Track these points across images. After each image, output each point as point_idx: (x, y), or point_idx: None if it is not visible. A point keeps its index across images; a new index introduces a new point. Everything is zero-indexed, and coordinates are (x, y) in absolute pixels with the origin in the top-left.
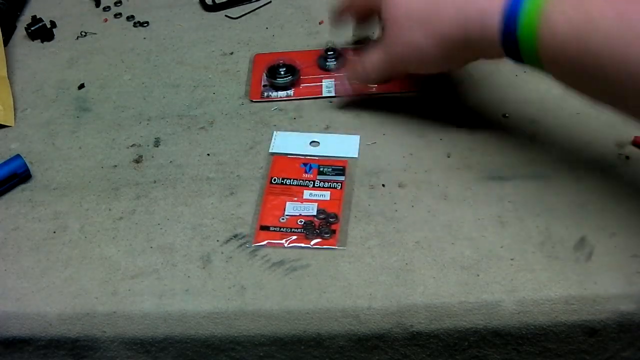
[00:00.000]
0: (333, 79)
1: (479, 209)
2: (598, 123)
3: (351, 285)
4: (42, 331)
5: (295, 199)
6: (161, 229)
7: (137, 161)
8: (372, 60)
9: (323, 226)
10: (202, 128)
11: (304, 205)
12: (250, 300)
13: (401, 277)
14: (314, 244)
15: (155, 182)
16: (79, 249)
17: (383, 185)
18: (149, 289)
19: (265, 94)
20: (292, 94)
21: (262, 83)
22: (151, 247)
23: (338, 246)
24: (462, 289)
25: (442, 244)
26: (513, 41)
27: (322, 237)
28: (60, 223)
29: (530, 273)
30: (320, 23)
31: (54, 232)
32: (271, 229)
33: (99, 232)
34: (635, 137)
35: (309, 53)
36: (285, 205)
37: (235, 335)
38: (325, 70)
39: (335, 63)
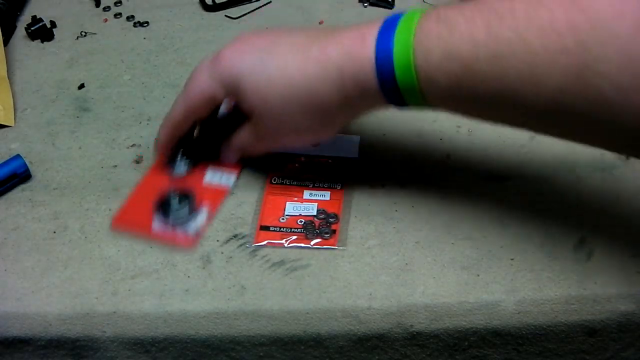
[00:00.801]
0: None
1: (478, 209)
2: None
3: (351, 285)
4: (42, 331)
5: (296, 199)
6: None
7: (137, 161)
8: (243, 141)
9: (323, 226)
10: None
11: (304, 205)
12: (250, 300)
13: (401, 277)
14: (314, 244)
15: None
16: (79, 249)
17: (383, 185)
18: (149, 289)
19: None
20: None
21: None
22: (151, 247)
23: (338, 246)
24: (462, 289)
25: (442, 244)
26: (394, 89)
27: (322, 237)
28: (60, 223)
29: (530, 273)
30: (320, 23)
31: (54, 232)
32: (271, 229)
33: (99, 232)
34: None
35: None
36: (285, 205)
37: (235, 335)
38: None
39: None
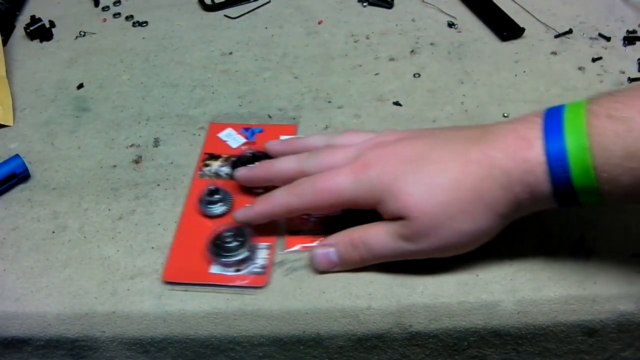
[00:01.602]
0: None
1: None
2: None
3: (351, 285)
4: (41, 331)
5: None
6: (161, 229)
7: (136, 161)
8: (382, 242)
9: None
10: (201, 128)
11: None
12: (250, 300)
13: (401, 277)
14: None
15: (154, 182)
16: (78, 249)
17: None
18: (148, 289)
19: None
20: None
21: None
22: (151, 248)
23: None
24: (462, 289)
25: None
26: (569, 192)
27: None
28: (59, 223)
29: (529, 273)
30: (319, 23)
31: (53, 232)
32: (301, 233)
33: (98, 232)
34: None
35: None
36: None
37: (235, 335)
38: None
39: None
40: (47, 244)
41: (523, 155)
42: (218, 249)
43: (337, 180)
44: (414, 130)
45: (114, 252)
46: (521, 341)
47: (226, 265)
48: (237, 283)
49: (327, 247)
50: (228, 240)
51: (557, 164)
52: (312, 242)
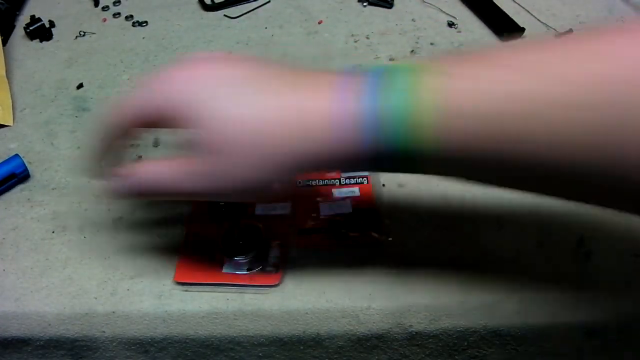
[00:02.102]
0: None
1: (478, 209)
2: None
3: (351, 285)
4: (40, 331)
5: (325, 199)
6: (161, 229)
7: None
8: (163, 174)
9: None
10: None
11: (338, 204)
12: (250, 300)
13: (401, 277)
14: (358, 240)
15: None
16: (78, 249)
17: (383, 185)
18: (148, 288)
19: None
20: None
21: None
22: (152, 247)
23: (382, 239)
24: (462, 289)
25: (442, 244)
26: (392, 147)
27: (363, 233)
28: (59, 223)
29: (529, 273)
30: (319, 22)
31: (53, 232)
32: (310, 231)
33: (98, 232)
34: None
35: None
36: (319, 206)
37: (235, 335)
38: None
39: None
40: (47, 244)
41: (344, 109)
42: (230, 248)
43: (142, 93)
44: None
45: (113, 252)
46: (521, 341)
47: (239, 264)
48: (250, 282)
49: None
50: (240, 238)
51: (377, 123)
52: (321, 241)
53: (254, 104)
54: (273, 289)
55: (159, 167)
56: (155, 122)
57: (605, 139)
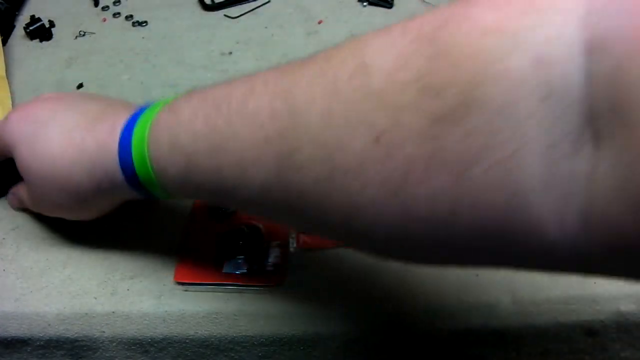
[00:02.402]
0: None
1: None
2: None
3: (351, 285)
4: (40, 331)
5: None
6: (161, 229)
7: None
8: (21, 195)
9: None
10: None
11: None
12: (250, 300)
13: (400, 276)
14: None
15: None
16: (78, 249)
17: None
18: (148, 288)
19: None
20: None
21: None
22: (152, 247)
23: None
24: (462, 289)
25: None
26: (135, 180)
27: None
28: (59, 223)
29: (529, 273)
30: (319, 22)
31: (53, 232)
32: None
33: (98, 232)
34: None
35: None
36: None
37: (235, 335)
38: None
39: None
40: (46, 244)
41: (105, 142)
42: (229, 248)
43: None
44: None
45: (114, 252)
46: (521, 341)
47: (238, 264)
48: (250, 282)
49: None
50: (240, 238)
51: (124, 153)
52: (321, 240)
53: (50, 143)
54: (273, 289)
55: (19, 189)
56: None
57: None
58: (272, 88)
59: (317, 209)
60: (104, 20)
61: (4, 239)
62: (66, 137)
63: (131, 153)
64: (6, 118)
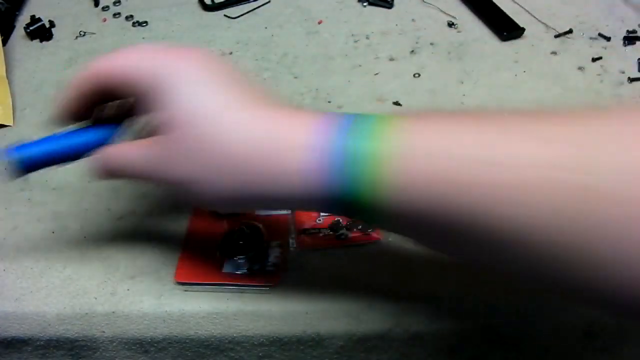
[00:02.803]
0: None
1: None
2: None
3: (351, 285)
4: (40, 331)
5: None
6: (161, 229)
7: None
8: (132, 159)
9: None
10: None
11: None
12: (250, 300)
13: (401, 276)
14: (359, 240)
15: None
16: (78, 249)
17: None
18: (148, 289)
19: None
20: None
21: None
22: (152, 248)
23: (383, 239)
24: (462, 289)
25: None
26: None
27: (364, 232)
28: (59, 223)
29: None
30: (319, 22)
31: (53, 232)
32: (310, 231)
33: (98, 232)
34: None
35: None
36: None
37: (235, 335)
38: None
39: None
40: (47, 244)
41: (313, 143)
42: (230, 248)
43: (134, 52)
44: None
45: (114, 252)
46: (522, 341)
47: (239, 264)
48: (250, 282)
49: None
50: (240, 238)
51: (336, 170)
52: (321, 241)
53: (229, 111)
54: (273, 289)
55: (123, 149)
56: (117, 84)
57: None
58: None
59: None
60: (104, 20)
61: (4, 239)
62: (253, 119)
63: (347, 172)
64: (154, 47)
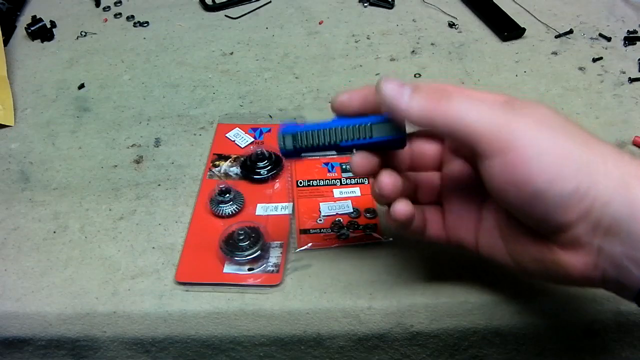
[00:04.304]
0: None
1: None
2: (598, 123)
3: (351, 285)
4: (42, 331)
5: (326, 198)
6: (162, 229)
7: (137, 161)
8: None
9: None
10: (202, 128)
11: (339, 204)
12: (250, 300)
13: (402, 276)
14: (360, 240)
15: (155, 182)
16: (79, 249)
17: None
18: (149, 289)
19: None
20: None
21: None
22: (152, 248)
23: (384, 239)
24: (463, 289)
25: (443, 244)
26: None
27: (365, 233)
28: (60, 223)
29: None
30: (320, 23)
31: (54, 232)
32: (311, 231)
33: (99, 232)
34: (636, 137)
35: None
36: (319, 206)
37: (236, 335)
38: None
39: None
40: (48, 244)
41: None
42: (231, 248)
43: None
44: None
45: (114, 252)
46: (522, 341)
47: (240, 264)
48: (251, 282)
49: (403, 84)
50: (241, 238)
51: None
52: (322, 240)
53: (578, 150)
54: (274, 289)
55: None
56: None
57: None
58: None
59: None
60: (105, 20)
61: (5, 239)
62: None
63: None
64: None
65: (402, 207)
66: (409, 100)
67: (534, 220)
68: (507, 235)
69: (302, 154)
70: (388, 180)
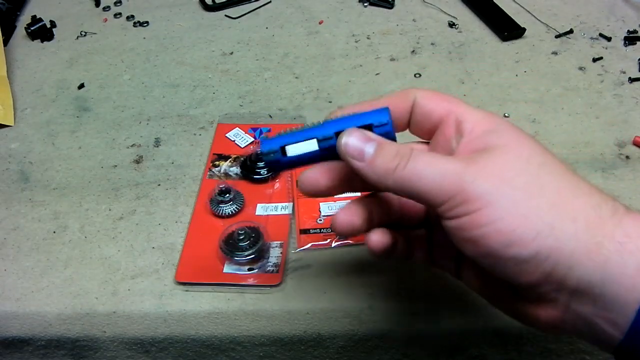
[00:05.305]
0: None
1: None
2: (598, 123)
3: (352, 285)
4: (42, 331)
5: (326, 198)
6: (162, 229)
7: (137, 161)
8: (428, 169)
9: None
10: (202, 128)
11: (339, 204)
12: (251, 300)
13: (402, 277)
14: (360, 240)
15: (155, 182)
16: (79, 249)
17: None
18: (149, 289)
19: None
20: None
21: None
22: (152, 248)
23: None
24: (462, 289)
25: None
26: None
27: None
28: (60, 223)
29: None
30: (320, 23)
31: (54, 232)
32: (311, 231)
33: (99, 232)
34: (636, 137)
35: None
36: (319, 206)
37: (236, 335)
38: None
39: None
40: (47, 244)
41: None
42: (231, 248)
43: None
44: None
45: (114, 252)
46: (522, 341)
47: (240, 264)
48: (251, 282)
49: (368, 140)
50: (241, 239)
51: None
52: (324, 240)
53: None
54: (274, 289)
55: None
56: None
57: None
58: None
59: None
60: (105, 20)
61: (5, 239)
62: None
63: None
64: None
65: (376, 238)
66: (368, 163)
67: (496, 276)
68: (482, 276)
69: (288, 156)
70: (344, 217)
